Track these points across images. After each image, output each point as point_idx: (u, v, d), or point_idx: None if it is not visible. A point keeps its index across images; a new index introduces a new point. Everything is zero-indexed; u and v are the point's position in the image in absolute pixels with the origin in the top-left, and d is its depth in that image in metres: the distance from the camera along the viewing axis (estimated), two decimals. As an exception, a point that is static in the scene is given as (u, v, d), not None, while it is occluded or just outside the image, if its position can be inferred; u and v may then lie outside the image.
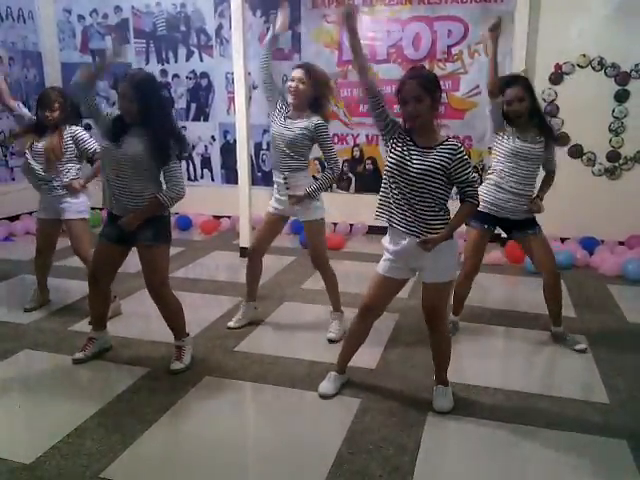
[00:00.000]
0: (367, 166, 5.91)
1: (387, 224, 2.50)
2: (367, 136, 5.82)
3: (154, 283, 2.90)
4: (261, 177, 6.20)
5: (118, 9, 6.30)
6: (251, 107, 5.80)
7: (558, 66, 5.20)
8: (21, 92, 6.23)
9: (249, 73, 5.27)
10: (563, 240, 5.33)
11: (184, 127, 6.32)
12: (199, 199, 5.94)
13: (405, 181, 2.37)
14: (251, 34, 5.77)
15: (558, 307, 3.37)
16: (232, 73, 5.71)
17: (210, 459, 2.30)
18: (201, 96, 6.28)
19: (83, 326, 3.53)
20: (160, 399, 2.69)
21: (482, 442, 2.42)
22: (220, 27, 6.00)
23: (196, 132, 6.35)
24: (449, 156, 2.34)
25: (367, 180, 5.87)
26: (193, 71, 6.22)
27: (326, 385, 2.75)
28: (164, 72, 6.30)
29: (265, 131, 6.06)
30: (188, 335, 3.09)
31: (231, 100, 5.94)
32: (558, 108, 5.28)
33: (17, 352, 3.18)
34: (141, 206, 2.81)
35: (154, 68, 6.30)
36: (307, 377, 2.92)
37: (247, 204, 5.04)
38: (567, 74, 5.22)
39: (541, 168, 3.32)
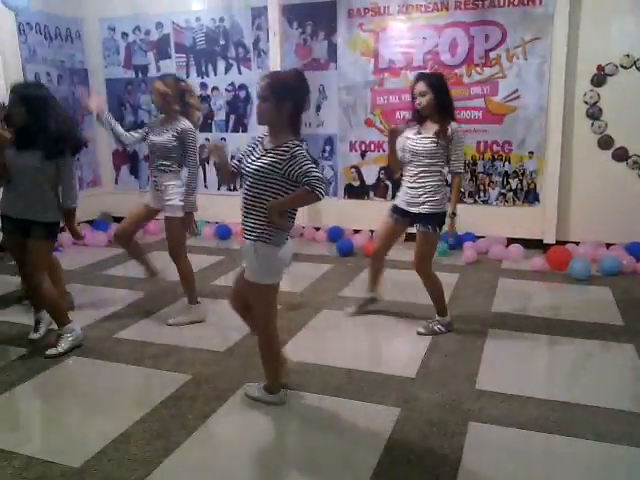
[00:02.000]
0: (404, 173, 5.89)
1: None
2: (404, 143, 5.80)
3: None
4: (298, 186, 6.24)
5: (159, 25, 6.50)
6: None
7: (600, 67, 5.07)
8: (69, 109, 6.48)
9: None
10: (608, 246, 5.17)
11: (223, 139, 6.46)
12: (238, 208, 6.02)
13: None
14: (288, 46, 5.86)
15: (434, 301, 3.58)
16: (269, 84, 5.82)
17: (249, 466, 2.33)
18: (239, 107, 6.39)
19: (127, 334, 3.64)
20: (202, 406, 2.75)
21: (525, 453, 2.36)
22: (258, 40, 6.11)
23: (235, 143, 6.46)
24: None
25: (404, 187, 5.85)
26: (232, 83, 6.35)
27: None
28: (204, 85, 6.44)
29: (302, 140, 6.10)
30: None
31: (269, 111, 6.03)
32: (601, 110, 5.14)
33: (66, 359, 3.30)
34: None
35: (194, 81, 6.45)
36: (345, 385, 2.92)
37: (285, 213, 5.09)
38: (610, 75, 5.08)
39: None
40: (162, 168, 3.60)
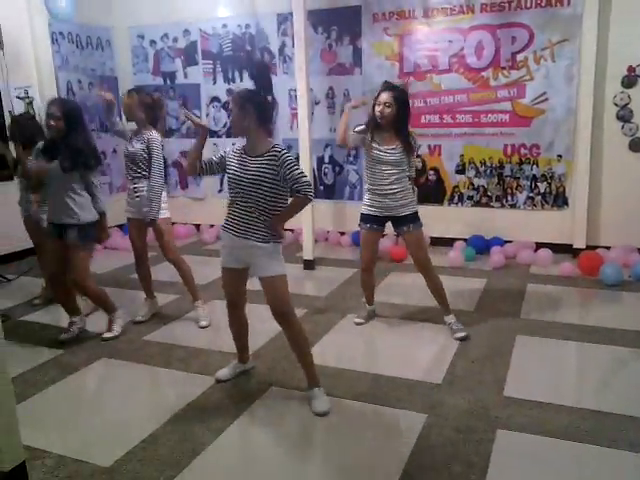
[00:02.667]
0: (430, 177, 5.86)
1: None
2: (429, 147, 5.78)
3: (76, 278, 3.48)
4: (323, 190, 6.27)
5: (187, 32, 6.61)
6: (313, 122, 5.91)
7: (631, 69, 4.97)
8: (99, 115, 6.64)
9: (311, 89, 5.38)
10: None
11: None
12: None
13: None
14: (313, 51, 5.89)
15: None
16: (295, 90, 5.85)
17: (275, 470, 2.34)
18: (265, 113, 6.43)
19: (155, 336, 3.70)
20: (228, 408, 2.77)
21: (555, 462, 2.32)
22: (283, 45, 6.16)
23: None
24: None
25: (430, 191, 5.82)
26: (229, 90, 6.39)
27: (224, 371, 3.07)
28: (230, 91, 6.52)
29: (327, 145, 6.14)
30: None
31: (294, 116, 6.08)
32: (632, 112, 5.04)
33: (96, 360, 3.37)
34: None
35: (221, 87, 6.55)
36: (370, 390, 2.92)
37: (310, 217, 5.12)
38: (641, 76, 4.98)
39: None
40: (137, 175, 3.75)
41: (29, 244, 4.51)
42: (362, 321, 3.83)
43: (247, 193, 2.63)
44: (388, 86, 3.45)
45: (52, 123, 3.36)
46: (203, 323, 3.85)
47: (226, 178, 2.74)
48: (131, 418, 2.75)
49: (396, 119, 3.41)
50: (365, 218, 3.61)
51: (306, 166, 5.04)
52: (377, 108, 3.42)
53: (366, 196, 3.61)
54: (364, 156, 3.63)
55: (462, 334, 3.53)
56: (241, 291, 2.91)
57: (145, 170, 3.74)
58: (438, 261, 3.58)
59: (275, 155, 2.59)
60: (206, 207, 6.69)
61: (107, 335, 3.64)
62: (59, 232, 3.48)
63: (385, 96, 3.39)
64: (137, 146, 3.72)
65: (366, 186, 3.63)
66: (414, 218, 3.54)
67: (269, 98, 2.71)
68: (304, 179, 2.59)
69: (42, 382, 3.10)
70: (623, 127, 5.10)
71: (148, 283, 4.05)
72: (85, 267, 3.51)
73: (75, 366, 3.29)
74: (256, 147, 2.66)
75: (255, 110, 2.60)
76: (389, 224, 3.61)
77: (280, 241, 2.72)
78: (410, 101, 3.56)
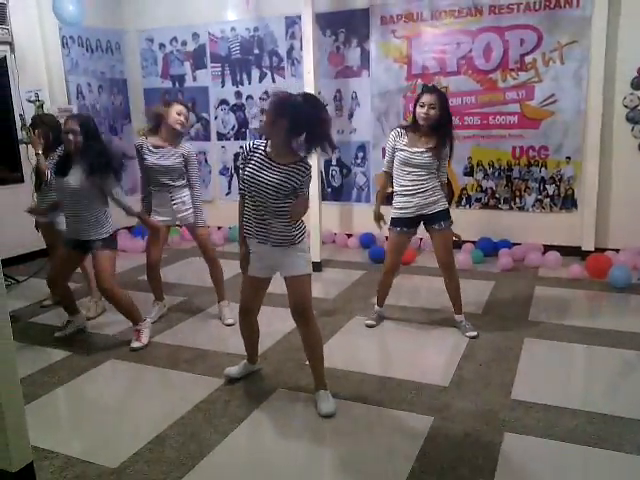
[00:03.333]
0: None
1: None
2: (437, 149, 5.76)
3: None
4: (331, 192, 6.28)
5: (195, 36, 6.64)
6: (321, 124, 5.91)
7: (641, 70, 4.95)
8: (109, 118, 6.69)
9: (319, 92, 5.38)
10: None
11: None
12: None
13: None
14: (321, 54, 5.90)
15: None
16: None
17: (281, 472, 2.34)
18: (273, 115, 6.45)
19: (163, 338, 3.72)
20: (235, 410, 2.78)
21: (562, 466, 2.31)
22: (291, 48, 6.18)
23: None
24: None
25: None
26: (266, 92, 6.42)
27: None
28: (238, 94, 6.55)
29: (335, 147, 6.13)
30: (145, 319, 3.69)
31: (302, 118, 6.09)
32: (642, 114, 5.01)
33: (104, 362, 3.40)
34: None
35: (229, 90, 6.57)
36: (377, 393, 2.92)
37: (318, 219, 5.13)
38: (652, 78, 4.95)
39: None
40: (175, 185, 3.84)
41: (39, 246, 4.55)
42: (373, 323, 3.82)
43: (264, 197, 2.60)
44: (430, 88, 3.47)
45: (70, 138, 3.36)
46: (230, 321, 3.89)
47: (241, 175, 2.69)
48: (138, 419, 2.76)
49: (439, 121, 3.39)
50: (395, 222, 3.59)
51: (314, 168, 5.04)
52: (421, 110, 3.37)
53: (396, 199, 3.58)
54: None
55: (473, 333, 3.56)
56: (258, 299, 2.92)
57: (182, 179, 3.82)
58: (459, 263, 3.62)
59: (304, 170, 2.60)
60: (214, 209, 6.71)
61: (135, 345, 3.55)
62: (75, 244, 3.51)
63: (429, 98, 3.36)
64: (174, 160, 3.75)
65: (395, 189, 3.60)
66: (445, 215, 3.54)
67: (321, 114, 2.57)
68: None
69: (50, 383, 3.13)
70: (633, 129, 5.06)
71: (159, 286, 4.07)
72: (110, 273, 3.49)
73: (83, 368, 3.31)
74: (281, 154, 2.61)
75: (289, 120, 2.51)
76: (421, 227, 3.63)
77: (301, 239, 2.70)
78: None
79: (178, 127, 3.74)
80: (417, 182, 3.47)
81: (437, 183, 3.51)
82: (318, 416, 2.71)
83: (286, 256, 2.69)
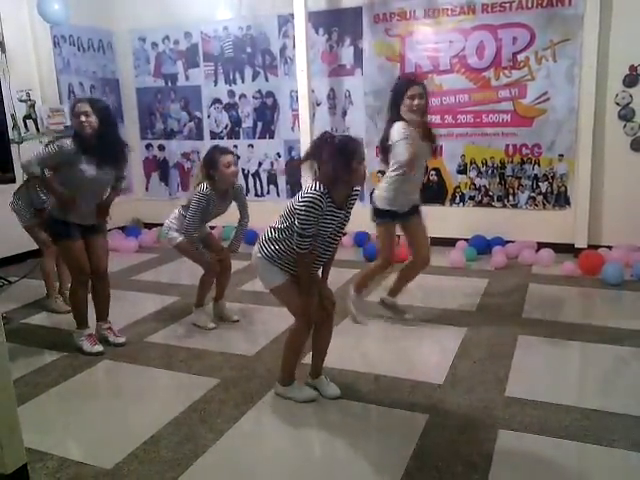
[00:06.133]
0: (431, 177, 5.85)
1: None
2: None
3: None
4: (325, 191, 6.27)
5: (188, 35, 6.62)
6: (315, 123, 5.92)
7: (633, 68, 4.97)
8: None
9: (312, 90, 5.39)
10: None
11: (251, 145, 6.54)
12: (266, 214, 6.06)
13: None
14: (314, 52, 5.89)
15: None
16: (296, 91, 5.86)
17: (276, 471, 2.34)
18: (267, 114, 6.45)
19: (157, 338, 3.70)
20: (230, 410, 2.77)
21: (557, 462, 2.32)
22: (284, 47, 6.16)
23: (262, 149, 6.53)
24: None
25: (431, 191, 5.81)
26: (259, 91, 6.41)
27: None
28: (231, 93, 6.53)
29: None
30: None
31: (295, 117, 6.09)
32: (634, 112, 5.03)
33: (98, 362, 3.38)
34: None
35: (222, 89, 6.55)
36: (372, 391, 2.92)
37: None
38: (643, 76, 4.97)
39: None
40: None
41: (29, 247, 4.51)
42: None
43: (337, 236, 2.80)
44: (413, 79, 3.57)
45: (83, 120, 3.19)
46: (235, 317, 3.97)
47: (316, 231, 2.64)
48: (133, 420, 2.75)
49: (425, 110, 3.48)
50: (383, 214, 3.58)
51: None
52: (412, 102, 3.39)
53: (393, 194, 3.53)
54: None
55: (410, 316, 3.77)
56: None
57: None
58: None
59: (352, 207, 2.80)
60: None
61: (119, 340, 3.60)
62: (82, 230, 3.44)
63: (418, 88, 3.42)
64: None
65: (395, 185, 3.52)
66: (419, 207, 3.68)
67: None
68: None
69: (44, 384, 3.11)
70: (625, 126, 5.09)
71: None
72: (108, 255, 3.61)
73: (77, 368, 3.29)
74: (341, 199, 2.70)
75: (331, 171, 2.57)
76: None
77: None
78: None
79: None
80: (419, 175, 3.57)
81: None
82: (314, 415, 2.71)
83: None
